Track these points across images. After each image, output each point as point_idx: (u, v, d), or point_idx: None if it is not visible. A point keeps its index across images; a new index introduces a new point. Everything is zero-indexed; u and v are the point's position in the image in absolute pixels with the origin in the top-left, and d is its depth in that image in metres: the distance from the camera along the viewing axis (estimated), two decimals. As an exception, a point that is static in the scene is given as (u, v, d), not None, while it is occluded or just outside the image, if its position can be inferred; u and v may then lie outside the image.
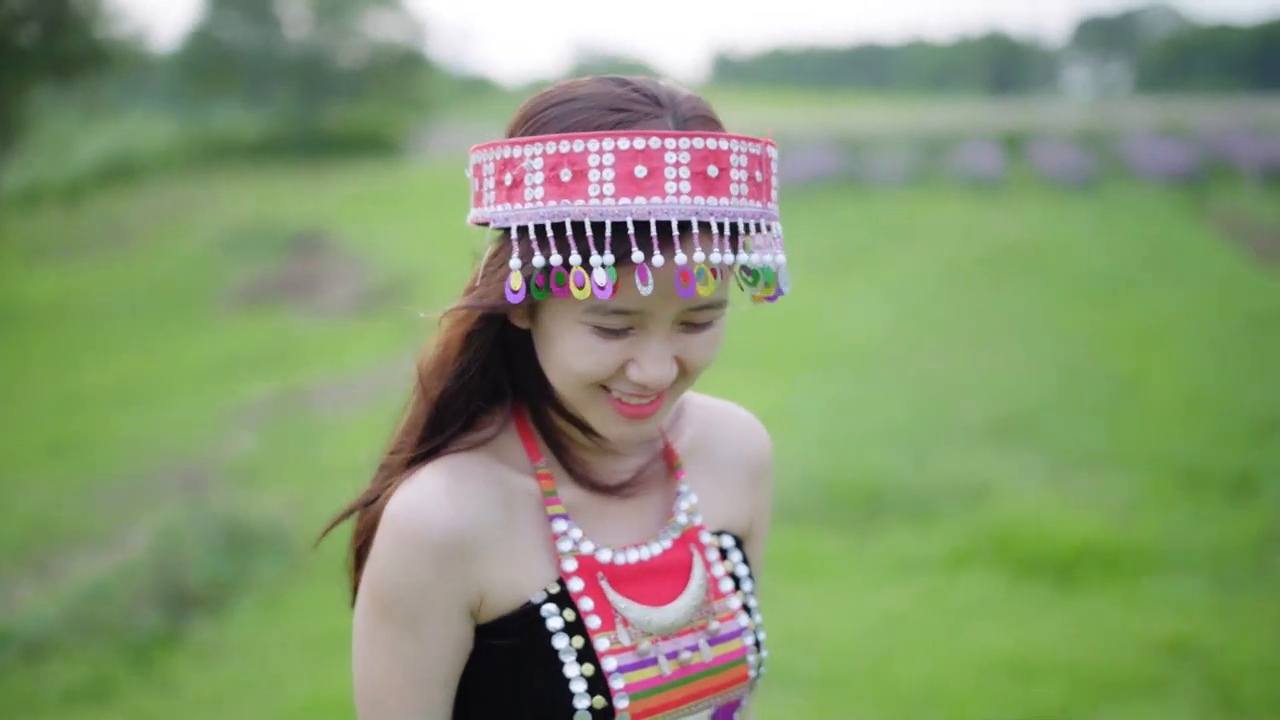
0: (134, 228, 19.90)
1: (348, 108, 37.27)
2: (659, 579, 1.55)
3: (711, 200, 1.35)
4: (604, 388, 1.45)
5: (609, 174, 1.34)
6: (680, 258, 1.33)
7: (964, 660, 4.69)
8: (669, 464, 1.63)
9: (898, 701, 4.41)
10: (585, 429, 1.54)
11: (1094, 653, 4.70)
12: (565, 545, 1.51)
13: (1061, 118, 35.09)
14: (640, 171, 1.34)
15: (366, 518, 1.59)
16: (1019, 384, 8.77)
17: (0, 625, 5.22)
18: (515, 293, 1.37)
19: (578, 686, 1.45)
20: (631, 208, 1.33)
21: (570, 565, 1.50)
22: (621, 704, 1.46)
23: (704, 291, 1.34)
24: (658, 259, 1.33)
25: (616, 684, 1.47)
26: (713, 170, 1.35)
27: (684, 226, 1.35)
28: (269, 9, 38.73)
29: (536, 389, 1.54)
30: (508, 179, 1.39)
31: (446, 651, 1.48)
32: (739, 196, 1.37)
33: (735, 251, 1.36)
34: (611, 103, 1.39)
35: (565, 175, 1.35)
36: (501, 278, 1.40)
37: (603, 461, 1.59)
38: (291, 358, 10.81)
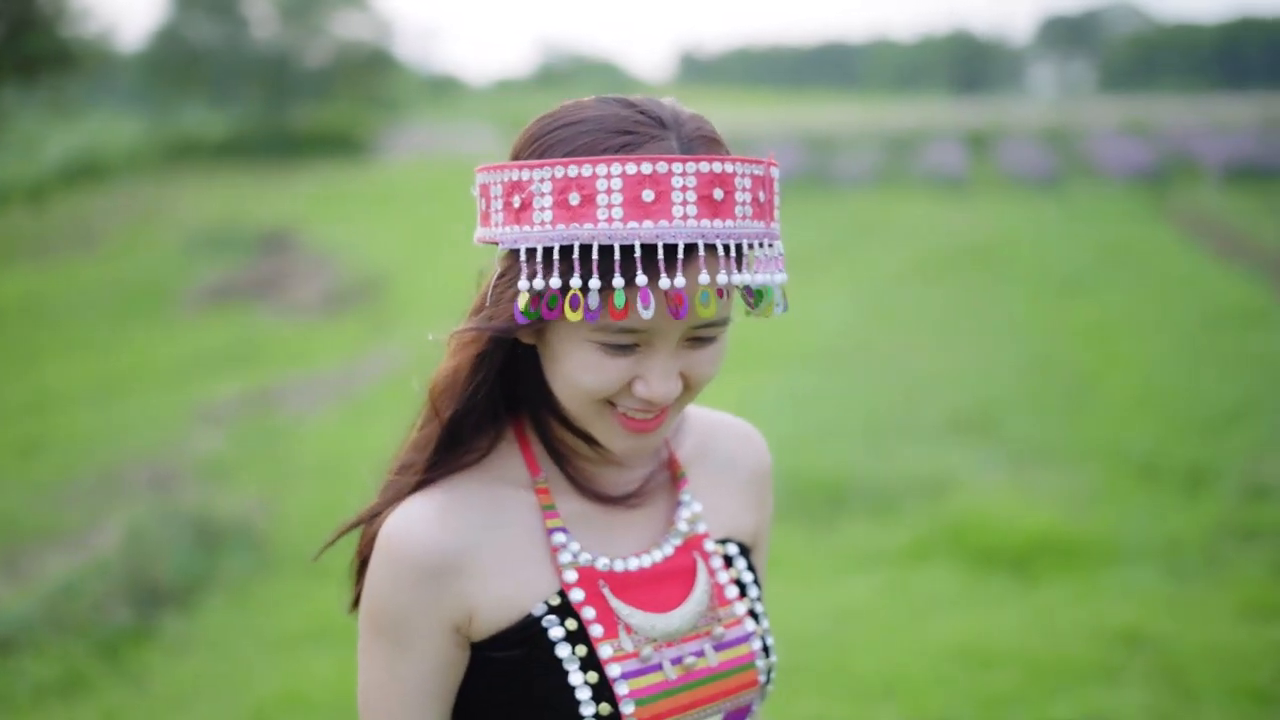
0: (101, 228, 19.84)
1: (315, 107, 37.21)
2: (662, 586, 1.57)
3: (717, 223, 1.38)
4: (610, 403, 1.48)
5: (617, 198, 1.37)
6: (680, 280, 1.35)
7: (921, 650, 4.78)
8: (672, 473, 1.66)
9: (856, 691, 4.50)
10: (590, 441, 1.56)
11: (1049, 641, 4.79)
12: (565, 557, 1.53)
13: (1026, 117, 35.28)
14: (648, 196, 1.36)
15: (369, 532, 1.62)
16: (979, 380, 8.88)
17: (-28, 622, 5.26)
18: (524, 316, 1.40)
19: (582, 694, 1.47)
20: (640, 231, 1.36)
21: (571, 576, 1.52)
22: (627, 709, 1.48)
23: (705, 314, 1.37)
24: (664, 282, 1.35)
25: (621, 690, 1.49)
26: (718, 193, 1.38)
27: (689, 249, 1.38)
28: (235, 8, 38.63)
29: (540, 402, 1.57)
30: (516, 201, 1.41)
31: (433, 669, 1.51)
32: (743, 218, 1.40)
33: (739, 271, 1.39)
34: (617, 125, 1.42)
35: (574, 199, 1.38)
36: (510, 299, 1.42)
37: (607, 472, 1.61)
38: (259, 357, 10.83)
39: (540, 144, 1.44)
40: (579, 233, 1.37)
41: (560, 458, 1.59)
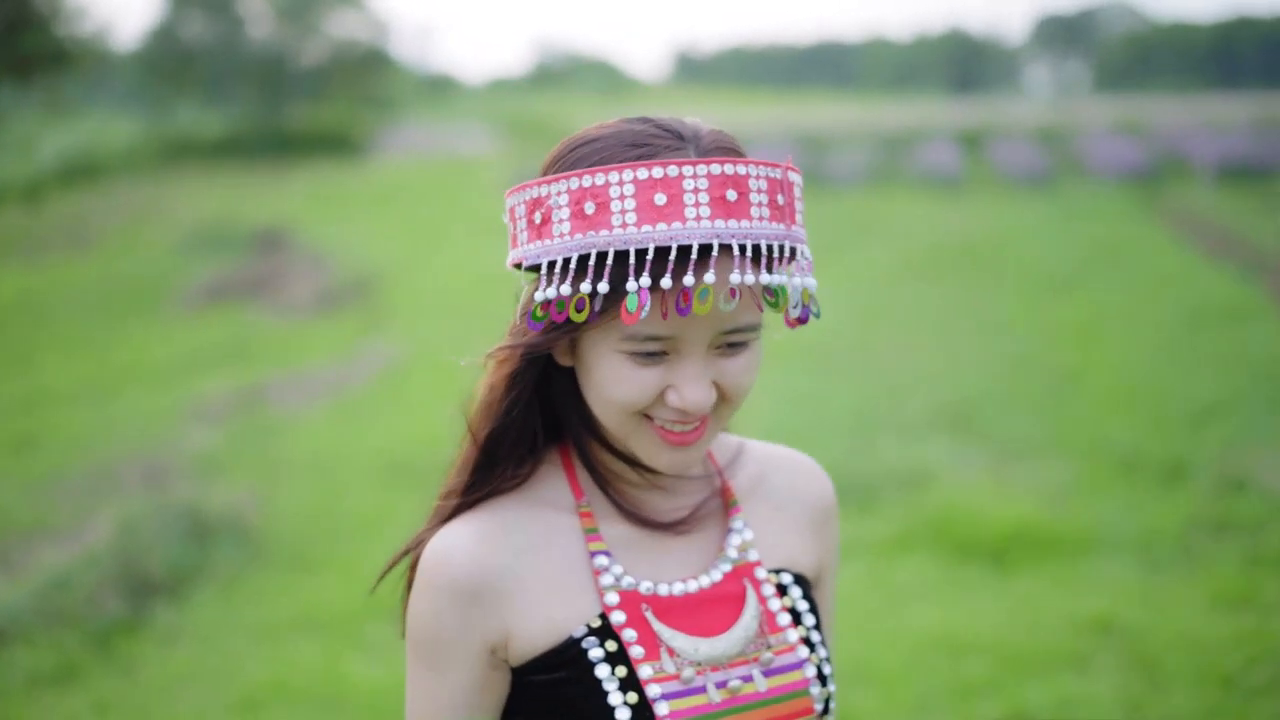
0: (96, 227, 19.89)
1: (310, 106, 37.31)
2: (708, 611, 1.56)
3: (732, 223, 1.39)
4: (647, 417, 1.49)
5: (630, 203, 1.39)
6: (689, 279, 1.38)
7: (897, 639, 4.87)
8: (724, 502, 1.65)
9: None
10: (636, 465, 1.57)
11: (1023, 630, 4.88)
12: (607, 580, 1.53)
13: (1020, 116, 35.38)
14: (660, 199, 1.38)
15: (414, 558, 1.63)
16: (964, 376, 8.97)
17: (-35, 615, 5.34)
18: (536, 322, 1.44)
19: (622, 715, 1.47)
20: (654, 234, 1.38)
21: (612, 599, 1.52)
22: None
23: (700, 310, 1.38)
24: (666, 282, 1.37)
25: (661, 710, 1.48)
26: (731, 194, 1.39)
27: (705, 251, 1.39)
28: (231, 8, 38.71)
29: (583, 427, 1.58)
30: (537, 217, 1.44)
31: (470, 691, 1.52)
32: (760, 220, 1.40)
33: (758, 272, 1.40)
34: (633, 139, 1.45)
35: (589, 208, 1.40)
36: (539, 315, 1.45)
37: (654, 498, 1.61)
38: (252, 354, 10.90)
39: (561, 162, 1.47)
40: (595, 240, 1.39)
41: (604, 482, 1.59)
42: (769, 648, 1.56)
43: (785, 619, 1.58)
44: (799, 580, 1.64)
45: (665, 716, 1.47)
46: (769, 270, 1.42)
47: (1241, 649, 4.67)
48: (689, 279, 1.38)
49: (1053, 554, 5.67)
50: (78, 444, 8.17)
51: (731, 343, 1.47)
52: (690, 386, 1.45)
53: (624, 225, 1.39)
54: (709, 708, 1.50)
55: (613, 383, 1.46)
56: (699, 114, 1.52)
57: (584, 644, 1.50)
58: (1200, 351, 9.34)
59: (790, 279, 1.44)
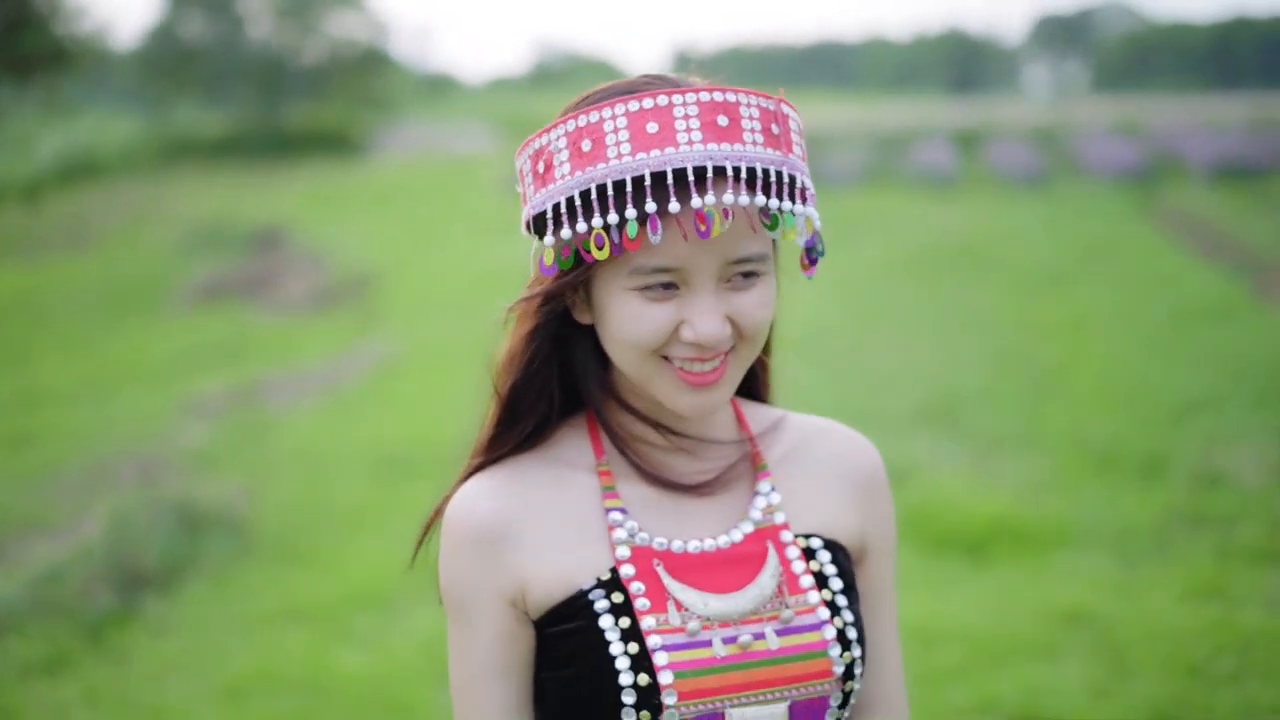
0: (95, 226, 19.97)
1: (310, 106, 37.35)
2: (725, 570, 1.56)
3: (725, 146, 1.41)
4: (666, 359, 1.50)
5: (624, 135, 1.42)
6: (695, 202, 1.40)
7: (871, 628, 4.96)
8: (753, 466, 1.64)
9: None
10: (659, 426, 1.59)
11: (995, 621, 4.98)
12: (620, 534, 1.54)
13: (1018, 116, 35.41)
14: (652, 128, 1.42)
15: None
16: (948, 373, 9.07)
17: (-40, 608, 5.43)
18: (549, 267, 1.47)
19: (622, 664, 1.48)
20: (648, 161, 1.41)
21: (624, 553, 1.54)
22: (665, 680, 1.48)
23: (714, 232, 1.40)
24: (673, 206, 1.40)
25: (660, 660, 1.48)
26: (723, 120, 1.42)
27: (701, 176, 1.42)
28: (230, 7, 38.73)
29: (602, 390, 1.60)
30: (541, 166, 1.49)
31: (496, 643, 1.55)
32: (753, 144, 1.43)
33: (753, 195, 1.42)
34: (627, 86, 1.49)
35: (586, 145, 1.44)
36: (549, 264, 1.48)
37: (680, 461, 1.62)
38: (248, 352, 10.99)
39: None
40: (593, 174, 1.43)
41: (623, 444, 1.60)
42: (786, 607, 1.55)
43: (808, 581, 1.57)
44: (830, 546, 1.62)
45: (664, 667, 1.48)
46: (766, 195, 1.44)
47: (1210, 638, 4.76)
48: (695, 201, 1.41)
49: (1029, 547, 5.76)
50: (75, 441, 8.26)
51: (743, 273, 1.48)
52: (702, 318, 1.46)
53: (619, 156, 1.42)
54: (712, 661, 1.50)
55: (627, 322, 1.48)
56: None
57: (591, 595, 1.52)
58: (1184, 349, 9.44)
59: (794, 205, 1.46)
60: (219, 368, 10.33)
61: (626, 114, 1.44)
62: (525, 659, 1.57)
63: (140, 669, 4.91)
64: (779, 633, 1.53)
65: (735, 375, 1.53)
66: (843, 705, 1.56)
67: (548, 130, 1.49)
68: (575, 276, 1.48)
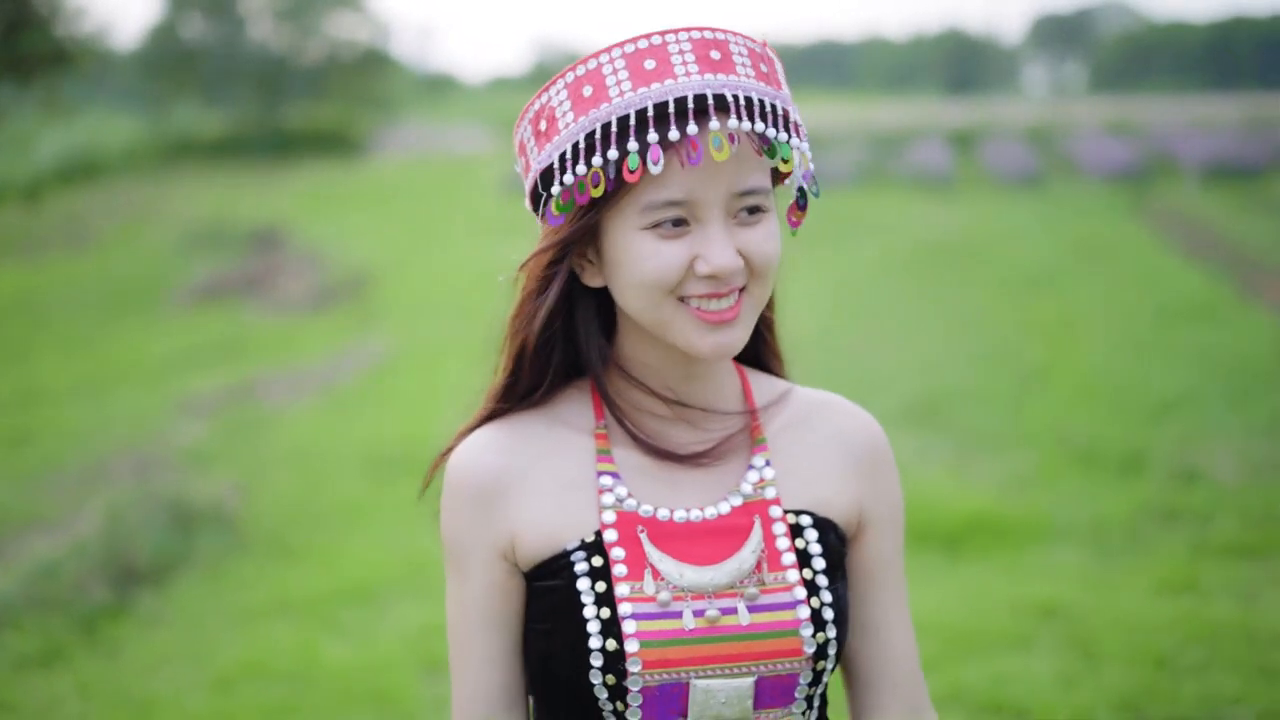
0: (94, 225, 20.03)
1: (309, 106, 37.43)
2: (709, 541, 1.58)
3: (721, 77, 1.48)
4: (682, 302, 1.53)
5: (623, 74, 1.48)
6: (692, 128, 1.46)
7: (847, 621, 5.06)
8: (751, 439, 1.66)
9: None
10: (661, 397, 1.62)
11: (969, 613, 5.07)
12: (608, 499, 1.58)
13: (1014, 116, 35.46)
14: (649, 64, 1.48)
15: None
16: (933, 371, 9.17)
17: (-44, 603, 5.53)
18: (559, 214, 1.52)
19: (593, 628, 1.52)
20: (649, 94, 1.47)
21: (609, 518, 1.57)
22: (632, 648, 1.51)
23: (718, 156, 1.45)
24: (674, 134, 1.46)
25: (628, 628, 1.52)
26: (715, 54, 1.49)
27: (702, 107, 1.47)
28: (231, 8, 38.78)
29: (604, 359, 1.64)
30: (543, 125, 1.54)
31: (488, 593, 1.60)
32: (746, 76, 1.49)
33: (754, 122, 1.48)
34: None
35: (587, 91, 1.50)
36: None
37: (680, 431, 1.64)
38: (245, 351, 11.05)
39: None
40: (598, 115, 1.48)
41: (621, 413, 1.63)
42: (762, 584, 1.56)
43: (790, 559, 1.58)
44: (820, 524, 1.63)
45: (631, 635, 1.52)
46: (764, 123, 1.49)
47: (1178, 630, 4.86)
48: (692, 128, 1.46)
49: (1006, 542, 5.86)
50: (73, 439, 8.34)
51: (748, 208, 1.53)
52: (715, 248, 1.50)
53: (621, 94, 1.48)
54: (680, 633, 1.52)
55: (641, 262, 1.51)
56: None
57: (573, 556, 1.56)
58: (1167, 348, 9.54)
59: (789, 138, 1.52)
60: (217, 367, 10.41)
61: (624, 55, 1.50)
62: (516, 610, 1.61)
63: (132, 661, 5.01)
64: (751, 609, 1.55)
65: (750, 316, 1.56)
66: (813, 683, 1.58)
67: (545, 89, 1.54)
68: (586, 221, 1.52)
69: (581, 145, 1.48)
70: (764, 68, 1.52)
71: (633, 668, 1.52)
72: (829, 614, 1.57)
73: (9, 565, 5.99)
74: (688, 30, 1.50)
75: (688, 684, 1.53)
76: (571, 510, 1.59)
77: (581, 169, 1.48)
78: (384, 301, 13.13)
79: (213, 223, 18.88)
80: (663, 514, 1.58)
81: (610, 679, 1.53)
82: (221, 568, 5.88)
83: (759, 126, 1.48)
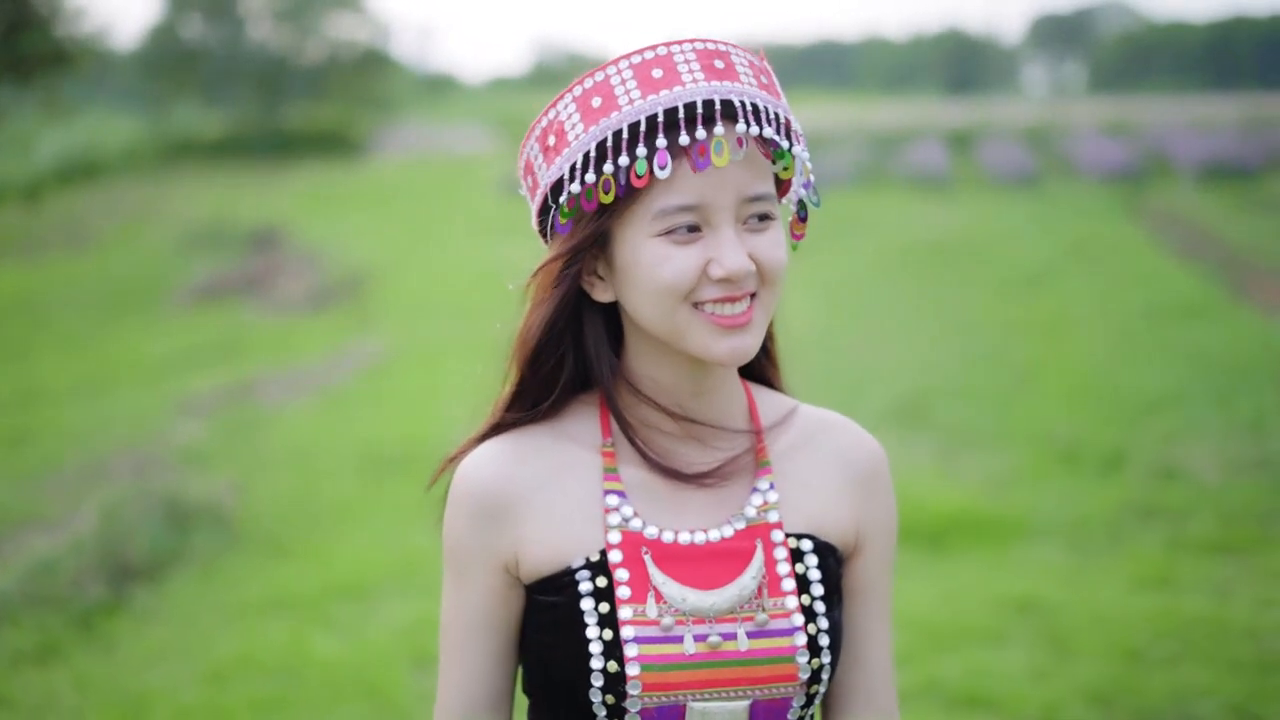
0: (94, 226, 20.06)
1: (309, 107, 37.46)
2: (712, 565, 1.58)
3: (726, 84, 1.51)
4: (696, 308, 1.54)
5: (631, 84, 1.52)
6: (702, 134, 1.49)
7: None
8: (756, 461, 1.66)
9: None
10: (670, 413, 1.63)
11: (947, 608, 5.17)
12: (614, 519, 1.59)
13: (1013, 116, 35.44)
14: (657, 73, 1.51)
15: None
16: (923, 371, 9.28)
17: (-46, 600, 5.62)
18: (565, 222, 1.55)
19: (595, 648, 1.54)
20: (659, 100, 1.50)
21: (615, 538, 1.58)
22: (633, 671, 1.53)
23: (719, 162, 1.49)
24: (684, 139, 1.49)
25: (630, 652, 1.53)
26: (719, 64, 1.53)
27: (710, 113, 1.50)
28: (231, 8, 38.79)
29: (614, 374, 1.64)
30: (551, 140, 1.56)
31: (487, 601, 1.62)
32: (749, 85, 1.53)
33: (760, 127, 1.51)
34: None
35: (596, 102, 1.53)
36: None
37: (688, 449, 1.65)
38: (244, 351, 11.10)
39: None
40: (608, 124, 1.51)
41: (630, 430, 1.63)
42: (763, 610, 1.58)
43: (789, 584, 1.59)
44: (820, 549, 1.64)
45: (633, 658, 1.53)
46: (771, 128, 1.53)
47: (1152, 624, 4.97)
48: (700, 133, 1.49)
49: (987, 539, 5.96)
50: (72, 438, 8.40)
51: (757, 214, 1.55)
52: (728, 251, 1.52)
53: (630, 101, 1.51)
54: (681, 657, 1.54)
55: (655, 268, 1.52)
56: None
57: (577, 575, 1.57)
58: (1153, 347, 9.65)
59: (792, 146, 1.56)
60: (215, 366, 10.47)
61: (631, 65, 1.53)
62: (512, 617, 1.63)
63: (128, 656, 5.10)
64: (750, 635, 1.56)
65: (761, 321, 1.58)
66: (806, 705, 1.61)
67: (553, 105, 1.57)
68: (596, 227, 1.54)
69: (593, 154, 1.51)
70: (764, 79, 1.57)
71: (632, 690, 1.55)
72: (825, 640, 1.59)
73: (7, 563, 6.06)
74: (690, 41, 1.54)
75: (685, 706, 1.56)
76: (577, 528, 1.60)
77: (591, 177, 1.51)
78: (383, 301, 13.20)
79: (212, 223, 18.93)
80: (667, 536, 1.60)
81: (610, 699, 1.55)
82: (216, 565, 5.98)
83: (767, 131, 1.52)
